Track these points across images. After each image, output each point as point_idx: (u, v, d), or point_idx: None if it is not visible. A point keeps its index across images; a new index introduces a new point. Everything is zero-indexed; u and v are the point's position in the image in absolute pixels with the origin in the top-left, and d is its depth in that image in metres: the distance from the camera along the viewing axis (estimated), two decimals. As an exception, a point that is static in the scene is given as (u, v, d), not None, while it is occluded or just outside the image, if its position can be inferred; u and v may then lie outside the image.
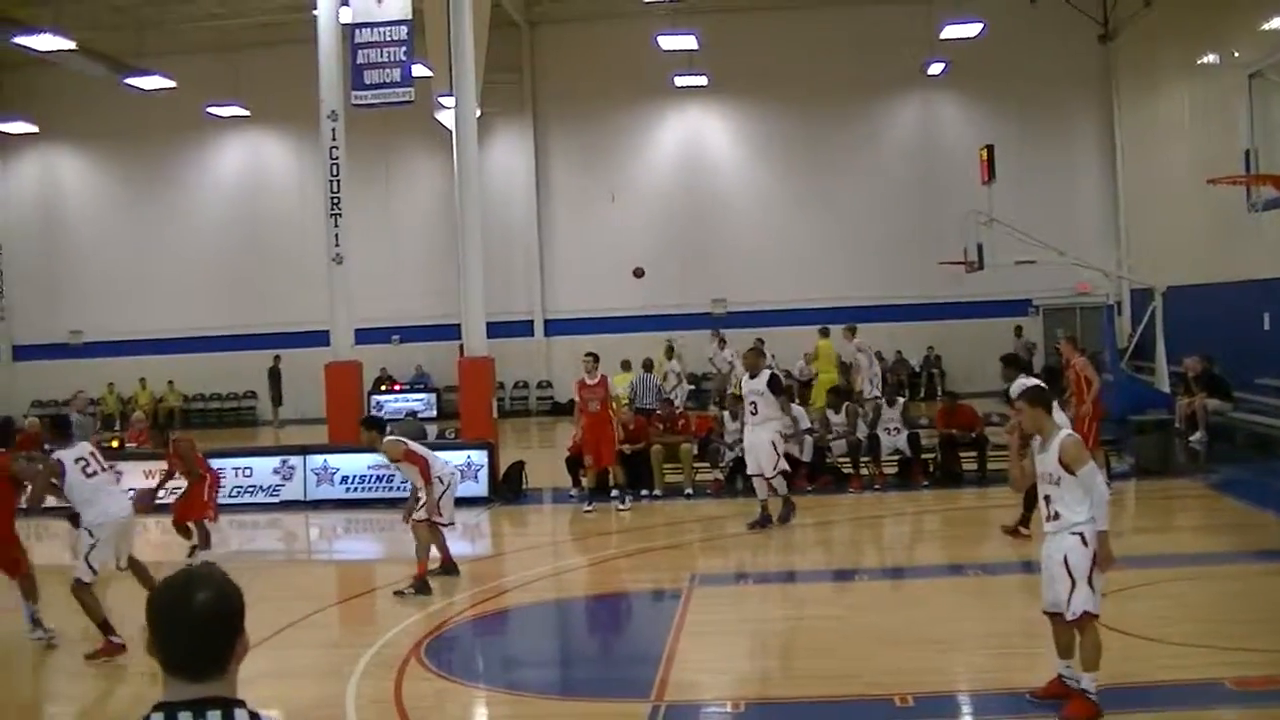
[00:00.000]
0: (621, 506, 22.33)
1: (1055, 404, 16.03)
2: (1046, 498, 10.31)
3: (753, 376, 19.65)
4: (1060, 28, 41.58)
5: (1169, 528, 19.04)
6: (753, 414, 19.56)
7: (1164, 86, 38.20)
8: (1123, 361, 31.86)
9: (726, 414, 24.44)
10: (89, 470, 14.21)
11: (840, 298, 40.67)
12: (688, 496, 23.25)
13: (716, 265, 43.21)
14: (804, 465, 23.74)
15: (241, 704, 3.73)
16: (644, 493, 23.68)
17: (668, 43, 38.27)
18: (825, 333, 33.61)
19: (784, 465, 19.68)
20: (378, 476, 24.54)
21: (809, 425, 24.29)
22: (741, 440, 22.31)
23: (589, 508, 22.40)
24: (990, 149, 32.14)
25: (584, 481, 23.48)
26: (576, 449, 24.38)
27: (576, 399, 23.24)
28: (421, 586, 15.74)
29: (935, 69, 41.26)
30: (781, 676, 12.11)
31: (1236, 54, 29.38)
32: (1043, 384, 12.29)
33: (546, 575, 17.53)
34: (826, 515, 21.24)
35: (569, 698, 11.89)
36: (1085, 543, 10.05)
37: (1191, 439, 25.56)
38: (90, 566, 13.94)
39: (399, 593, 15.72)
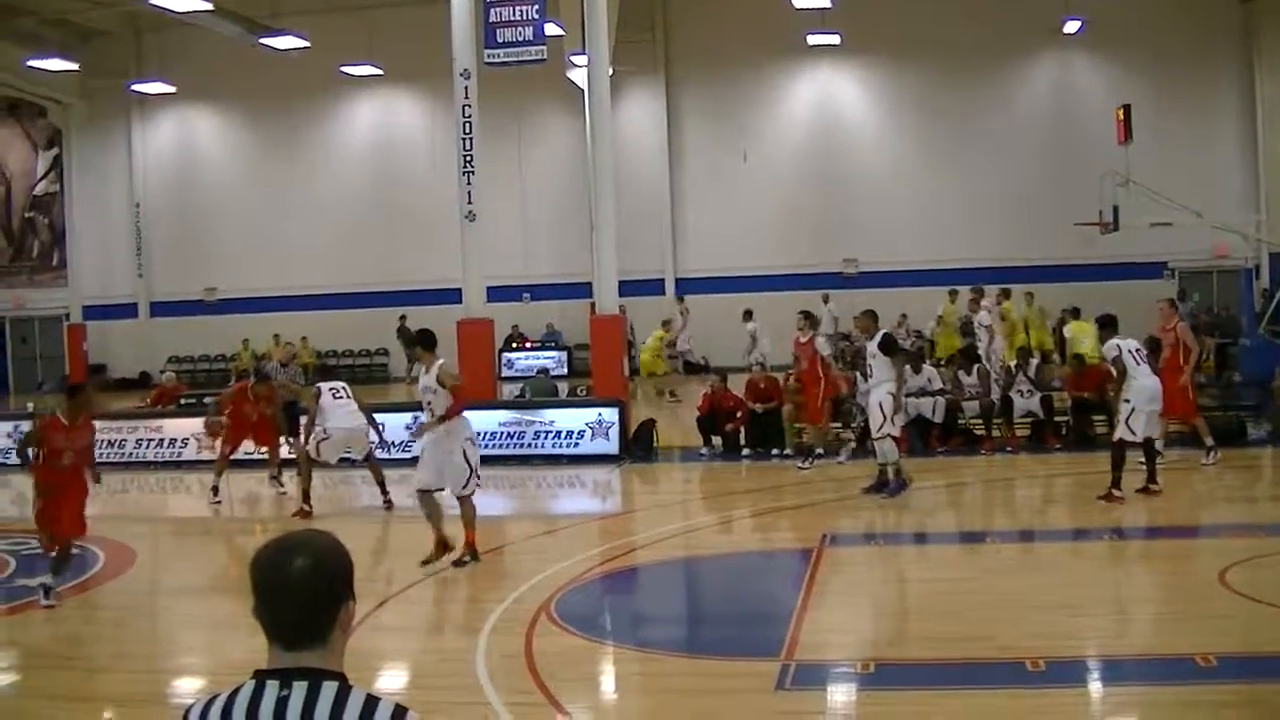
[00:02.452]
0: (801, 466, 22.20)
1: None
2: None
3: (870, 339, 19.48)
4: (1202, -14, 40.92)
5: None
6: (868, 376, 19.54)
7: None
8: (1261, 326, 31.35)
9: (858, 374, 24.34)
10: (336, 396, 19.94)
11: (971, 259, 40.28)
12: (819, 457, 23.19)
13: (847, 225, 42.97)
14: (936, 426, 23.67)
15: (334, 676, 3.60)
16: (775, 452, 23.68)
17: (801, 1, 38.01)
18: (953, 295, 33.46)
19: (890, 429, 18.98)
20: (509, 433, 24.71)
21: (941, 386, 24.17)
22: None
23: (804, 465, 22.34)
24: (1128, 109, 31.73)
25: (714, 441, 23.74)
26: (707, 407, 24.47)
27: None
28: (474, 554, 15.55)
29: (1071, 28, 40.68)
30: (911, 638, 12.06)
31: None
32: None
33: (676, 533, 17.61)
34: (958, 477, 21.14)
35: (698, 656, 11.90)
36: None
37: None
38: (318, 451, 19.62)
39: (458, 563, 15.39)
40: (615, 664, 11.67)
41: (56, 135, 48.40)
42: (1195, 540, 16.15)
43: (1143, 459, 17.67)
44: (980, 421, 23.98)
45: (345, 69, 42.97)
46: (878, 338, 19.26)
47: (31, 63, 40.92)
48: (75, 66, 42.50)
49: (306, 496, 19.49)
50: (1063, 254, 39.85)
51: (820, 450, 22.60)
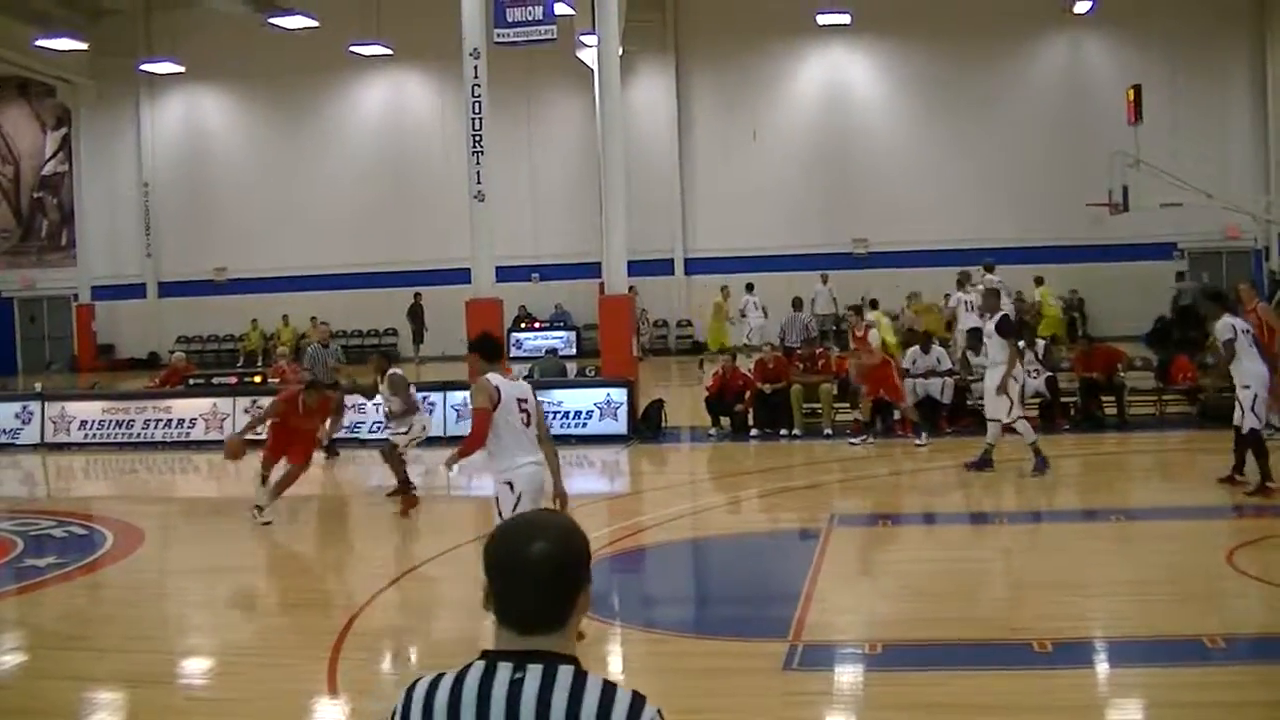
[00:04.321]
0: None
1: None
2: None
3: (987, 317, 19.37)
4: (1212, -34, 40.83)
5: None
6: (985, 357, 19.32)
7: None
8: (1272, 306, 31.30)
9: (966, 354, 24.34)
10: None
11: (981, 239, 40.11)
12: (827, 437, 23.19)
13: (858, 205, 42.90)
14: (944, 407, 23.69)
15: (570, 660, 3.51)
16: (783, 432, 23.70)
17: (810, -19, 38.01)
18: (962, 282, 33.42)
19: (1018, 411, 19.08)
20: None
21: (950, 366, 24.16)
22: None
23: (855, 441, 22.42)
24: (1138, 89, 31.70)
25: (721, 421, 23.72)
26: (716, 388, 24.50)
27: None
28: None
29: (1082, 7, 40.56)
30: (918, 619, 12.03)
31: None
32: None
33: (684, 514, 17.62)
34: (967, 457, 21.12)
35: (706, 636, 11.93)
36: None
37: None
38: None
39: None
40: (623, 644, 11.67)
41: (65, 115, 48.42)
42: (1204, 521, 16.13)
43: (1235, 447, 17.15)
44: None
45: (355, 49, 42.91)
46: (996, 318, 19.12)
47: (40, 42, 40.89)
48: (84, 46, 42.48)
49: (407, 482, 18.53)
50: (1072, 234, 39.80)
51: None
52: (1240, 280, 23.44)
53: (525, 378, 28.32)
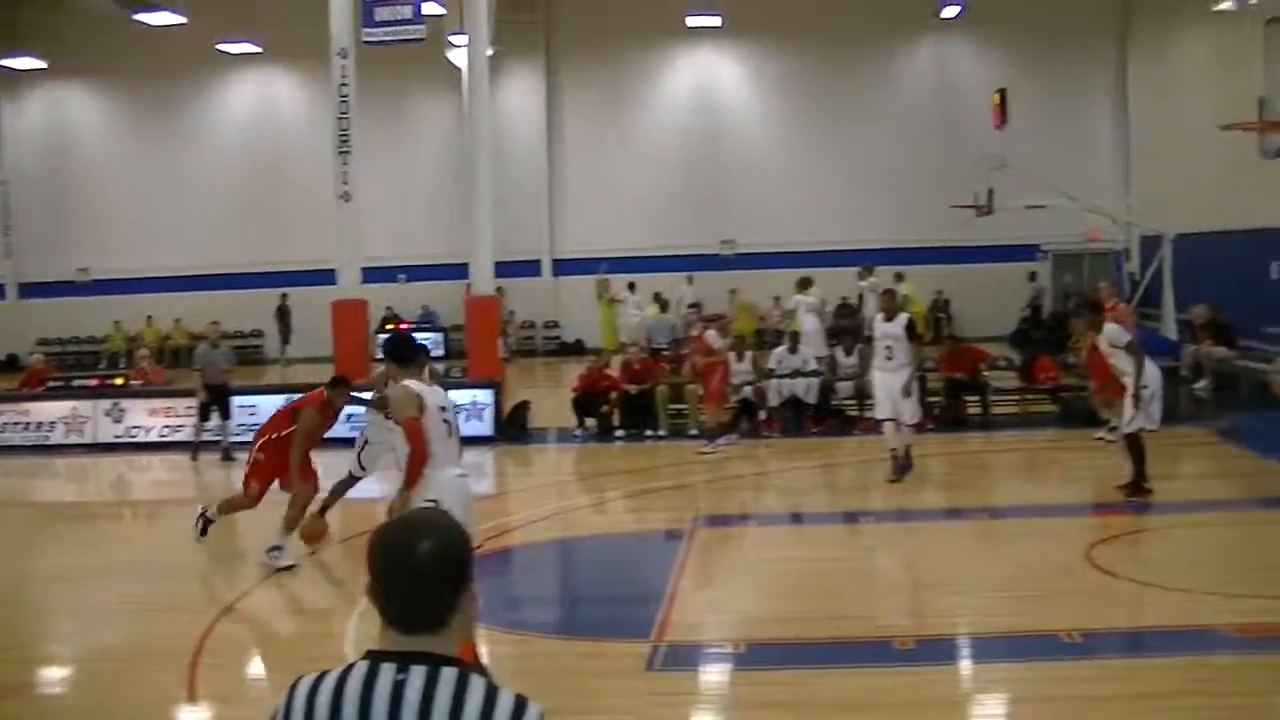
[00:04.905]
0: (709, 449, 21.94)
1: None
2: None
3: (889, 319, 18.94)
4: (1077, -29, 41.43)
5: (1174, 475, 18.92)
6: (888, 359, 18.72)
7: (1180, 33, 38.03)
8: (1130, 308, 31.78)
9: (733, 355, 24.45)
10: None
11: (850, 240, 40.52)
12: (693, 437, 23.22)
13: (727, 206, 42.99)
14: (810, 407, 23.81)
15: (453, 662, 3.50)
16: (649, 433, 23.72)
17: (680, -18, 38.11)
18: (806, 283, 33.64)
19: (918, 414, 19.08)
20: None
21: (815, 367, 24.29)
22: (751, 382, 22.63)
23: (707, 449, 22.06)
24: (1003, 93, 32.05)
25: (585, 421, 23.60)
26: (582, 388, 24.46)
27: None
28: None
29: (950, 12, 40.98)
30: (783, 618, 12.07)
31: (1253, 1, 29.19)
32: None
33: (549, 515, 17.55)
34: (832, 457, 21.29)
35: (570, 637, 11.88)
36: None
37: (1196, 386, 25.55)
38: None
39: None
40: (487, 645, 11.56)
41: (-79, 111, 47.46)
42: (1064, 519, 16.32)
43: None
44: (854, 402, 24.10)
45: (223, 46, 42.42)
46: (901, 319, 19.10)
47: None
48: (-59, 41, 41.67)
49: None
50: (939, 236, 40.11)
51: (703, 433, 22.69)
52: (1100, 280, 23.81)
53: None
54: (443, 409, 10.36)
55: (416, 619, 3.50)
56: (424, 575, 3.48)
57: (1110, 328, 16.97)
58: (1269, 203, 29.08)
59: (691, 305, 24.84)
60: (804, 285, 29.59)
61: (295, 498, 14.89)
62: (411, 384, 10.21)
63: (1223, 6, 33.40)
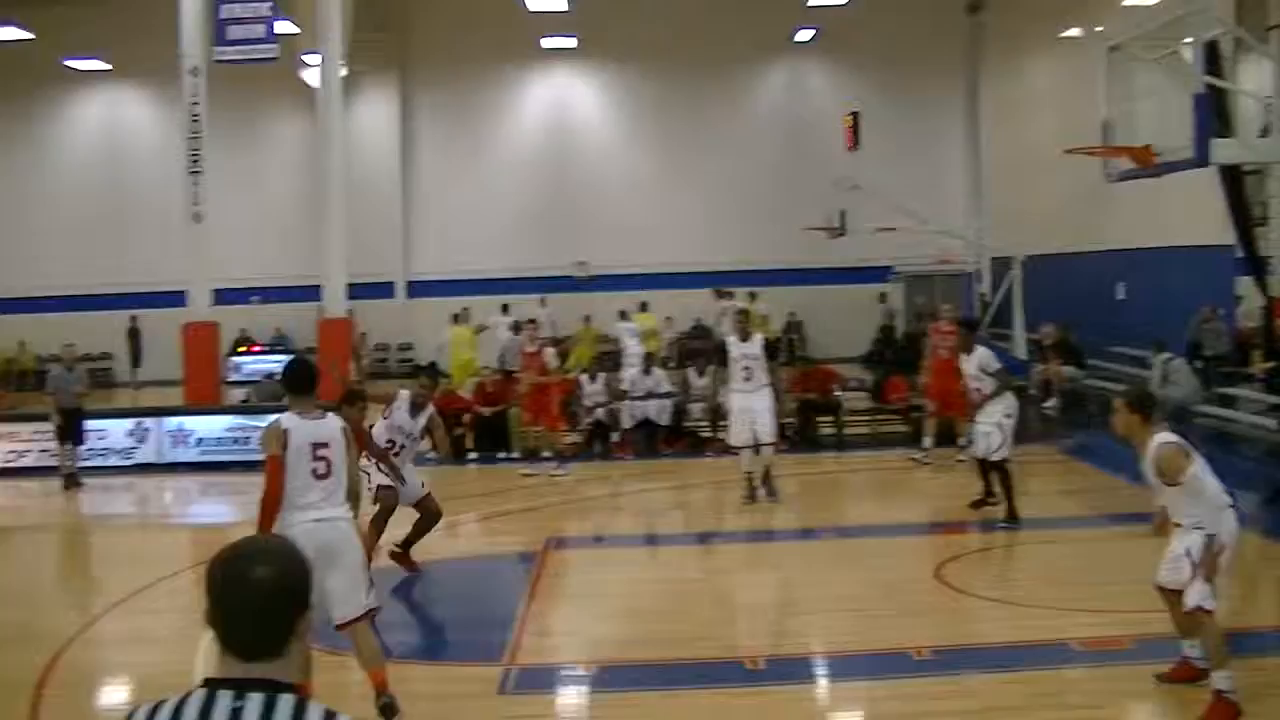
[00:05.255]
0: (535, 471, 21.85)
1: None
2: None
3: (745, 340, 18.79)
4: (929, -2, 42.02)
5: (1024, 492, 19.10)
6: (747, 379, 18.57)
7: (1029, 58, 38.64)
8: (981, 328, 32.17)
9: (586, 377, 24.47)
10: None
11: (703, 262, 40.71)
12: (546, 459, 23.16)
13: (582, 228, 42.92)
14: (663, 429, 23.85)
15: (290, 688, 3.46)
16: (502, 455, 23.61)
17: (536, 3, 38.02)
18: (644, 307, 33.85)
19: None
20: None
21: (668, 389, 24.34)
22: (604, 404, 22.54)
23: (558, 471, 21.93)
24: (855, 116, 32.36)
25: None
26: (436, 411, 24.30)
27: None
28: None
29: (804, 36, 41.34)
30: (635, 639, 12.05)
31: (1099, 28, 29.70)
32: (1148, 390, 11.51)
33: (401, 538, 17.37)
34: (685, 479, 21.31)
35: (419, 662, 11.76)
36: (1210, 542, 9.40)
37: (1046, 405, 25.88)
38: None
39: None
40: (334, 671, 11.41)
41: None
42: (915, 538, 16.46)
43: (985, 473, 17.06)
44: (707, 423, 24.18)
45: (71, 63, 41.77)
46: (758, 339, 19.03)
47: None
48: None
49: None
50: (793, 258, 40.33)
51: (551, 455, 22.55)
52: (946, 302, 24.12)
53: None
54: (319, 445, 9.57)
55: (253, 646, 3.46)
56: (260, 602, 3.45)
57: (983, 352, 17.06)
58: (1115, 225, 29.63)
59: (529, 320, 24.51)
60: (632, 313, 29.81)
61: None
62: (285, 418, 9.60)
63: (1069, 33, 34.01)
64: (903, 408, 24.65)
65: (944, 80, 43.50)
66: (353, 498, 9.99)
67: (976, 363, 16.71)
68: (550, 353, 22.97)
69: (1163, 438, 9.67)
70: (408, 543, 15.04)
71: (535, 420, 22.78)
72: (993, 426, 16.41)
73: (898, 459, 22.19)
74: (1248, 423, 24.32)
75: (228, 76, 30.12)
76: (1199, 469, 9.53)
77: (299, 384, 9.98)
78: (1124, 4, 29.84)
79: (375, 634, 9.95)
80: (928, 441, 21.66)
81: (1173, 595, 9.70)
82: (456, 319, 33.90)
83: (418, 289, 43.43)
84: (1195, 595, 9.28)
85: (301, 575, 3.56)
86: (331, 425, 9.76)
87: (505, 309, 37.44)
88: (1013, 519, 16.17)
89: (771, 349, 18.97)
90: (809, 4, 38.67)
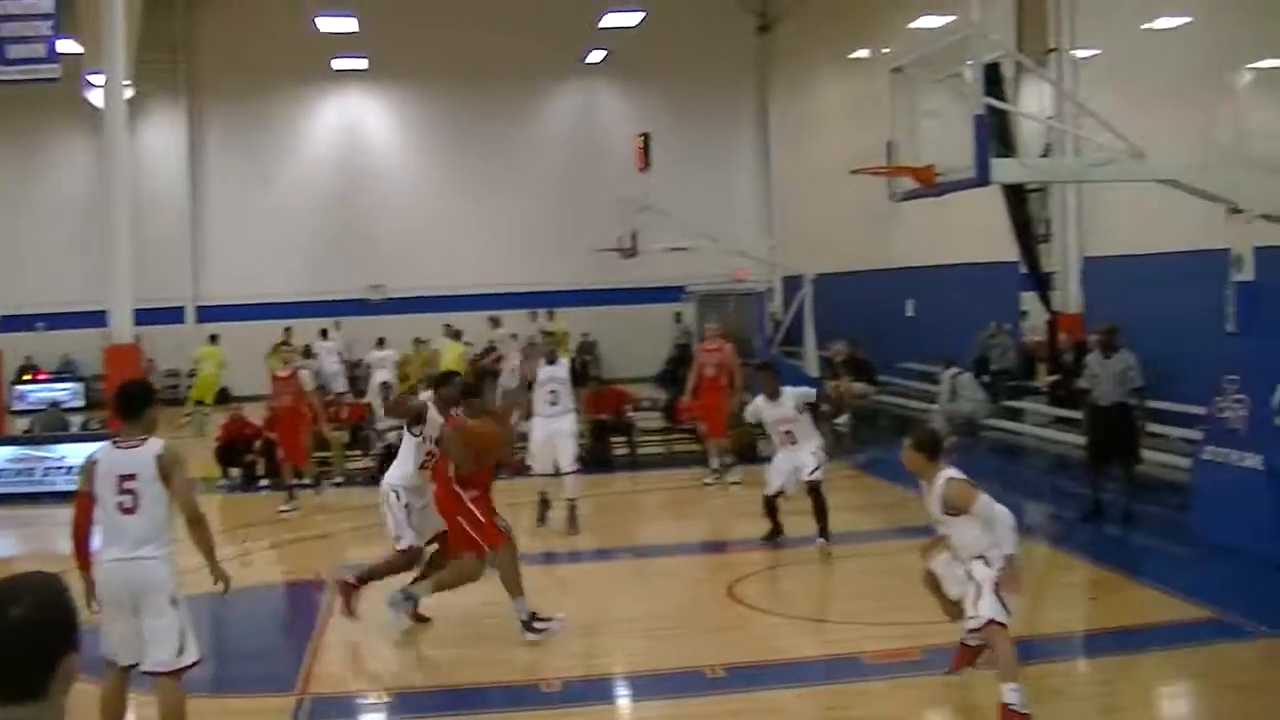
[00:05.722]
0: (285, 509, 20.85)
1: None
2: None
3: (550, 362, 18.69)
4: (719, 18, 42.44)
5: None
6: (552, 404, 18.44)
7: (818, 78, 39.24)
8: (773, 346, 32.50)
9: (378, 402, 24.33)
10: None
11: (500, 284, 40.70)
12: (337, 485, 22.93)
13: (376, 251, 42.58)
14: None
15: None
16: (295, 481, 23.26)
17: (326, 24, 37.71)
18: (456, 334, 33.82)
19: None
20: (18, 470, 23.57)
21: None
22: (396, 428, 22.30)
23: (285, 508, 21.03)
24: (646, 137, 32.47)
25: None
26: (226, 437, 23.92)
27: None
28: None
29: (595, 57, 41.52)
30: (431, 664, 12.00)
31: (886, 50, 30.21)
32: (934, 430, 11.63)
33: (191, 569, 16.93)
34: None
35: (209, 695, 11.51)
36: (989, 563, 9.72)
37: (837, 422, 26.19)
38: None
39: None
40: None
41: None
42: (710, 556, 16.57)
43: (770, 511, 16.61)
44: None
45: None
46: (563, 362, 18.91)
47: None
48: None
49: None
50: (587, 278, 40.44)
51: (308, 481, 22.24)
52: (721, 320, 24.33)
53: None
54: (125, 478, 8.87)
55: (11, 687, 3.34)
56: (15, 642, 3.33)
57: (796, 390, 16.82)
58: (904, 243, 30.17)
59: (283, 344, 23.58)
60: (325, 334, 30.35)
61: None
62: (101, 447, 9.06)
63: (857, 54, 34.56)
64: (696, 427, 24.80)
65: (735, 101, 44.08)
66: (191, 525, 9.29)
67: (792, 403, 16.45)
68: (305, 375, 22.33)
69: (948, 474, 10.03)
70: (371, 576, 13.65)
71: (285, 452, 21.70)
72: (816, 450, 16.40)
73: (691, 478, 22.30)
74: (1034, 435, 24.93)
75: (8, 97, 29.44)
76: (986, 500, 9.85)
77: (123, 407, 9.26)
78: (909, 26, 30.43)
79: (181, 692, 9.24)
80: (714, 462, 21.75)
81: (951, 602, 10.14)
82: (213, 339, 33.76)
83: (208, 314, 42.65)
84: (987, 608, 9.55)
85: (61, 615, 3.45)
86: (143, 455, 8.95)
87: (324, 334, 37.12)
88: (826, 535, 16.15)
89: (574, 372, 18.94)
90: (600, 25, 38.82)
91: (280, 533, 19.37)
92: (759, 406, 16.02)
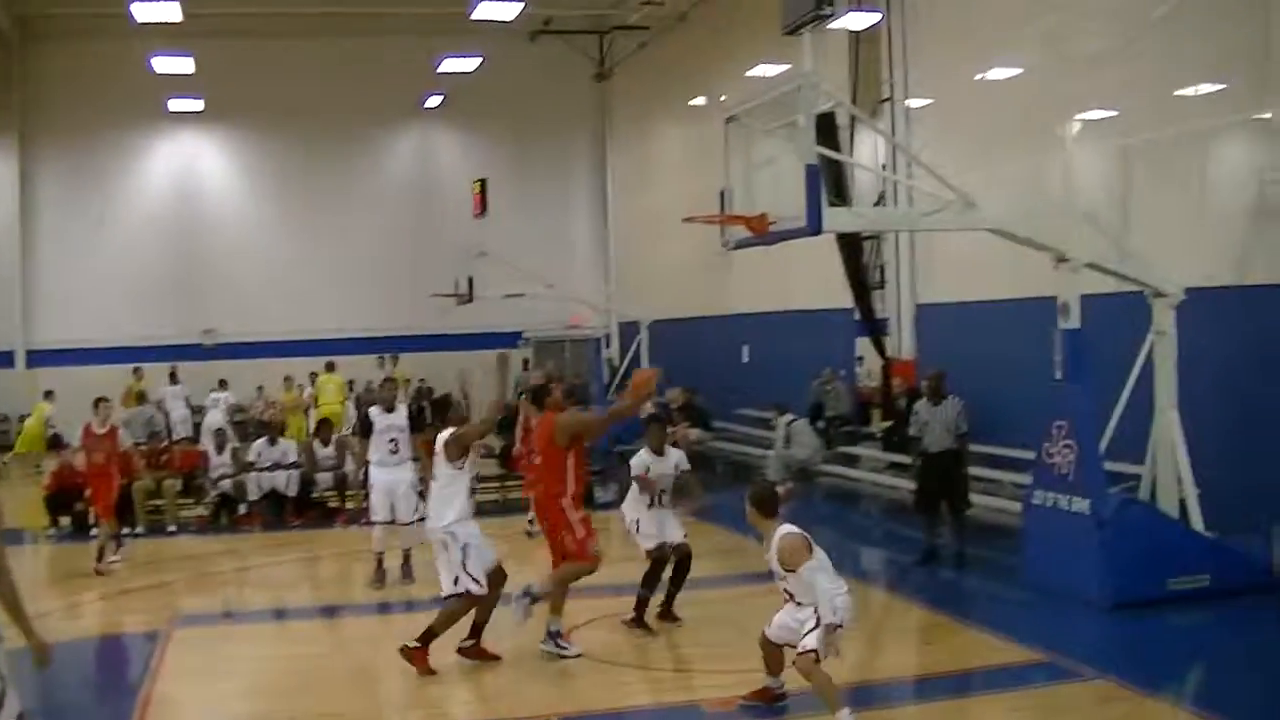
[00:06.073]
0: (113, 559, 19.82)
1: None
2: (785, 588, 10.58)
3: (390, 410, 18.36)
4: (558, 65, 42.53)
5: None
6: (393, 453, 18.11)
7: (656, 125, 39.49)
8: (610, 393, 32.55)
9: (212, 448, 24.00)
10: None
11: (337, 329, 40.45)
12: (171, 533, 22.56)
13: (208, 295, 42.07)
14: (290, 500, 23.49)
15: None
16: (126, 530, 22.80)
17: (162, 65, 37.23)
18: (331, 366, 33.60)
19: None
20: None
21: (295, 459, 24.00)
22: (230, 475, 22.06)
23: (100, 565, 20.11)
24: (483, 183, 32.51)
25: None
26: (55, 485, 23.45)
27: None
28: None
29: (433, 102, 41.42)
30: (263, 717, 11.81)
31: (723, 97, 30.46)
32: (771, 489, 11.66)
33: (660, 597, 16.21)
34: (314, 550, 20.99)
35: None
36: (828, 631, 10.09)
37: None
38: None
39: None
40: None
41: None
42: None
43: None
44: (335, 493, 23.92)
45: None
46: (402, 409, 18.53)
47: None
48: None
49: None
50: (424, 324, 40.27)
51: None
52: (545, 369, 24.38)
53: None
54: None
55: None
56: None
57: (681, 454, 16.11)
58: (740, 290, 30.37)
59: (101, 398, 22.40)
60: (173, 378, 32.31)
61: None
62: None
63: (694, 102, 34.82)
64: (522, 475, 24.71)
65: (574, 147, 44.29)
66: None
67: (674, 461, 15.92)
68: (123, 434, 21.50)
69: (785, 529, 10.43)
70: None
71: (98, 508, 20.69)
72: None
73: (526, 525, 22.20)
74: (869, 480, 25.16)
75: None
76: (817, 563, 10.23)
77: None
78: (746, 75, 30.70)
79: None
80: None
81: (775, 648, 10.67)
82: (47, 395, 33.29)
83: (39, 358, 41.78)
84: (812, 640, 10.01)
85: None
86: None
87: (173, 377, 36.58)
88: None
89: (415, 420, 18.74)
90: (438, 70, 38.74)
91: (108, 583, 18.96)
92: (644, 460, 15.51)
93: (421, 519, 17.33)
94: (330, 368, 34.57)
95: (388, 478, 18.01)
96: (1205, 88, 18.19)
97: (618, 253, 43.71)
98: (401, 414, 18.36)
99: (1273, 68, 17.00)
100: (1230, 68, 17.73)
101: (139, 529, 22.82)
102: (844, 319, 27.24)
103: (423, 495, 20.20)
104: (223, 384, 36.57)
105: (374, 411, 18.46)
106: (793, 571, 10.23)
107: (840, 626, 10.11)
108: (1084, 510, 14.84)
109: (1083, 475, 14.98)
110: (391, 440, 18.05)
